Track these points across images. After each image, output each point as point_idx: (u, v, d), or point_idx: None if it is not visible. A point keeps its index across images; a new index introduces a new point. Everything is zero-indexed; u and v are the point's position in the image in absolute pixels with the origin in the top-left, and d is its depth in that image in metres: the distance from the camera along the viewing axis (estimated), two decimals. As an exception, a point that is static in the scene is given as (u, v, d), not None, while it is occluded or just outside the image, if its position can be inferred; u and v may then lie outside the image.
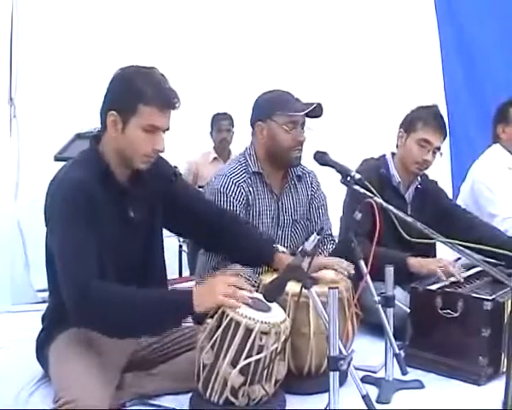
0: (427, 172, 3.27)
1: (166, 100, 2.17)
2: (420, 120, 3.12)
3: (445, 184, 4.49)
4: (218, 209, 2.69)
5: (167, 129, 2.21)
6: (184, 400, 2.21)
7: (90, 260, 2.07)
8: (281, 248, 2.65)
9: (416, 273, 2.87)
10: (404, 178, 3.20)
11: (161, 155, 2.31)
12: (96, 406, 1.97)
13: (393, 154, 3.24)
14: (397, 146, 3.23)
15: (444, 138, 3.14)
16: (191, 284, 3.27)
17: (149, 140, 2.17)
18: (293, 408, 2.19)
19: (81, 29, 4.33)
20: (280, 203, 2.98)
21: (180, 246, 4.43)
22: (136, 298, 2.08)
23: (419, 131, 3.10)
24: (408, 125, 3.16)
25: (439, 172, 4.71)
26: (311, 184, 3.08)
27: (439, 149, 3.11)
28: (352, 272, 2.45)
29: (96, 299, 2.03)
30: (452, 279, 2.73)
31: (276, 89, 2.96)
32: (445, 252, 2.88)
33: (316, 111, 2.84)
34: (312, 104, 2.82)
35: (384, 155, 3.26)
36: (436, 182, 3.38)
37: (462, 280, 2.72)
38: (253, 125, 2.96)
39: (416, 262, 2.90)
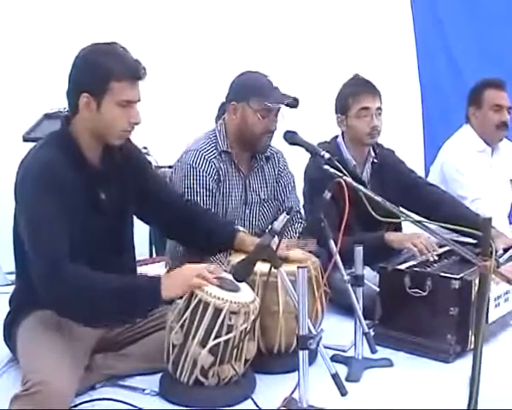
0: (395, 148, 3.27)
1: (135, 72, 2.19)
2: (348, 96, 3.13)
3: (418, 165, 4.53)
4: (186, 201, 2.69)
5: (139, 100, 2.22)
6: (154, 380, 2.21)
7: (61, 239, 2.06)
8: (241, 228, 2.66)
9: (397, 248, 2.90)
10: (359, 157, 3.20)
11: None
12: (64, 387, 1.96)
13: (343, 136, 3.22)
14: (342, 132, 3.22)
15: (379, 97, 3.12)
16: (161, 265, 3.27)
17: (125, 115, 2.19)
18: (263, 387, 2.20)
19: (49, 6, 4.25)
20: (247, 182, 2.99)
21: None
22: (105, 284, 2.08)
23: (353, 105, 3.10)
24: (341, 107, 3.17)
25: (412, 153, 4.78)
26: (278, 163, 3.10)
27: (379, 108, 3.11)
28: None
29: (66, 278, 2.02)
30: (423, 258, 2.76)
31: (255, 71, 2.95)
32: (413, 230, 2.90)
33: (292, 103, 2.83)
34: (289, 97, 2.82)
35: (336, 137, 3.24)
36: (393, 151, 3.37)
37: (432, 259, 2.75)
38: (227, 103, 2.95)
39: (394, 237, 2.91)
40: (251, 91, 2.86)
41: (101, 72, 2.14)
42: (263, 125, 2.86)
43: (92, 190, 2.24)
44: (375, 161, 3.24)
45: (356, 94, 3.10)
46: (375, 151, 3.24)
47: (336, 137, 3.24)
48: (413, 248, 2.80)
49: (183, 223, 2.55)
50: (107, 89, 2.15)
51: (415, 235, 2.87)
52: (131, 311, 2.15)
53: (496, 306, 2.53)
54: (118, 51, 2.20)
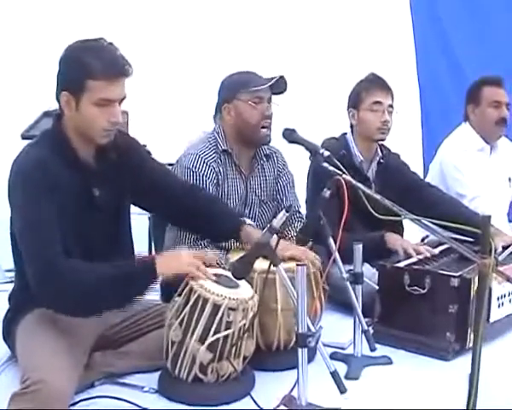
0: (397, 149, 3.27)
1: (114, 70, 2.11)
2: (361, 90, 3.19)
3: (416, 163, 4.52)
4: (189, 185, 2.69)
5: (123, 98, 2.18)
6: (153, 378, 2.21)
7: (54, 237, 2.05)
8: (248, 220, 2.65)
9: (392, 249, 2.92)
10: (366, 154, 3.22)
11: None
12: (63, 386, 1.96)
13: (352, 131, 3.25)
14: (351, 126, 3.25)
15: (391, 95, 3.17)
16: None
17: (104, 114, 2.13)
18: (262, 384, 2.20)
19: (47, 4, 4.26)
20: (248, 183, 2.99)
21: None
22: (101, 274, 2.07)
23: (366, 99, 3.16)
24: (354, 101, 3.22)
25: (411, 150, 4.77)
26: (278, 162, 3.11)
27: (391, 106, 3.16)
28: (319, 265, 2.43)
29: (62, 275, 2.01)
30: (421, 256, 2.77)
31: (240, 70, 2.98)
32: (413, 229, 2.91)
33: (280, 86, 2.87)
34: (275, 77, 2.85)
35: (345, 134, 3.28)
36: (398, 155, 3.40)
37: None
38: (219, 108, 2.96)
39: (391, 238, 2.94)
40: (237, 86, 2.90)
41: (79, 70, 2.09)
42: (258, 112, 2.87)
43: (86, 188, 2.22)
44: (382, 161, 3.26)
45: (370, 87, 3.17)
46: (382, 152, 3.26)
47: (345, 133, 3.27)
48: (400, 252, 2.84)
49: (186, 210, 2.52)
50: (85, 87, 2.10)
51: (411, 243, 2.90)
52: (130, 295, 2.14)
53: (499, 305, 2.51)
54: (100, 48, 2.13)
